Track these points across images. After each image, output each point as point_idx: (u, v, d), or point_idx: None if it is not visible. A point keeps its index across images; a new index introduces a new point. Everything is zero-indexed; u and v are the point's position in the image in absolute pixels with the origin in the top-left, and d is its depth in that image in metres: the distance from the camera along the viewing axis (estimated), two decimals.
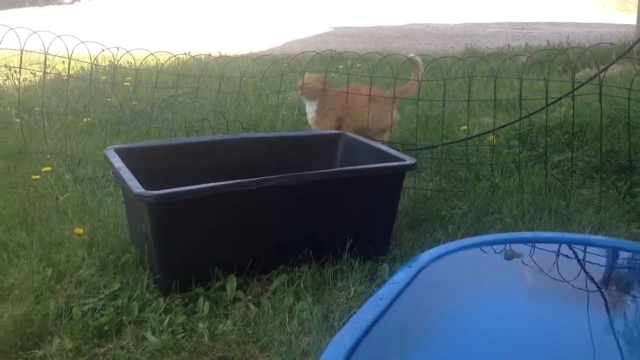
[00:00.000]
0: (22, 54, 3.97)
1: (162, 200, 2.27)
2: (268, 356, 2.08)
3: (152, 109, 4.68)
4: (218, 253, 2.44)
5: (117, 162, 2.56)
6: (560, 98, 3.62)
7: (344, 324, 2.15)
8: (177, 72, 4.77)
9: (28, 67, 4.75)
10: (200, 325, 2.19)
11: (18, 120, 4.40)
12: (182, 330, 2.17)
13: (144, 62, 4.46)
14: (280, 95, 5.00)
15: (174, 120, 4.52)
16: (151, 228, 2.33)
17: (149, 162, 2.78)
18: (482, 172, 3.61)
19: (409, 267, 1.84)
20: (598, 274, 1.98)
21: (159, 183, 2.33)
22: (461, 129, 4.23)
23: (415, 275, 1.80)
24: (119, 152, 2.69)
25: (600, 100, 3.28)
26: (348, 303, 2.36)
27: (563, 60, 6.02)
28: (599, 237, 2.49)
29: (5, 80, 5.79)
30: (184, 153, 2.96)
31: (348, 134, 3.28)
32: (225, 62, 4.77)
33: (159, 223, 2.32)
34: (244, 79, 4.57)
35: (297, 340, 2.15)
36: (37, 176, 3.45)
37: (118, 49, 4.24)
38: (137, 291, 2.34)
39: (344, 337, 1.49)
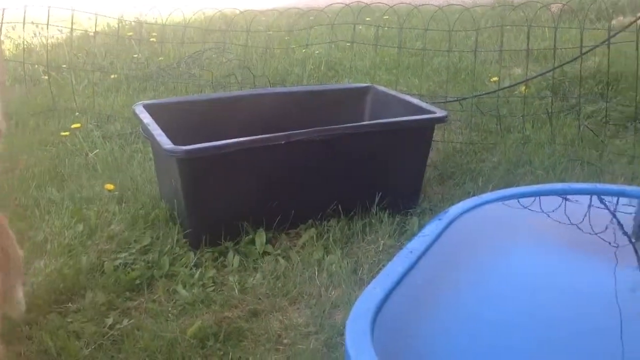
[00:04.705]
0: (49, 9, 3.97)
1: (191, 156, 2.27)
2: (298, 309, 2.09)
3: (178, 65, 4.67)
4: (247, 208, 2.45)
5: (146, 118, 2.55)
6: (596, 47, 3.52)
7: (373, 276, 2.15)
8: (203, 27, 4.72)
9: (55, 24, 4.74)
10: (231, 278, 2.20)
11: (46, 77, 4.42)
12: (213, 284, 2.19)
13: (170, 17, 4.42)
14: (306, 49, 4.94)
15: (201, 75, 4.50)
16: (181, 183, 2.33)
17: (176, 118, 2.76)
18: (513, 124, 3.55)
19: (439, 219, 1.82)
20: (632, 224, 1.94)
21: (186, 138, 2.32)
22: (492, 80, 4.15)
23: (445, 228, 1.78)
24: (147, 107, 2.68)
25: (637, 48, 3.17)
26: (377, 256, 2.36)
27: (595, 9, 5.84)
28: (632, 188, 2.44)
29: (33, 37, 5.80)
30: (212, 108, 2.94)
31: (377, 86, 3.24)
32: (252, 17, 4.71)
33: (188, 178, 2.32)
34: (270, 32, 4.52)
35: (327, 292, 2.15)
36: (67, 133, 3.47)
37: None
38: (168, 246, 2.36)
39: (375, 289, 1.48)
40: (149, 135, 2.44)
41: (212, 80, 4.22)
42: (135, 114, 2.65)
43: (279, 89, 3.56)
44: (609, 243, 1.78)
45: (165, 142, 2.28)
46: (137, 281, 2.19)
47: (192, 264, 2.27)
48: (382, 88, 3.21)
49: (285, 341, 1.94)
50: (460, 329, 1.44)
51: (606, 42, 3.31)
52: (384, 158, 2.64)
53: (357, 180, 2.60)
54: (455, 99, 3.83)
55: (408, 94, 3.34)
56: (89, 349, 1.86)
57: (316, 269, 2.28)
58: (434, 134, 2.95)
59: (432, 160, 3.13)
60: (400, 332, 1.43)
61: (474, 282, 1.63)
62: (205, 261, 2.30)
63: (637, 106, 3.32)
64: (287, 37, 5.31)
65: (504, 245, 1.80)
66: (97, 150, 3.26)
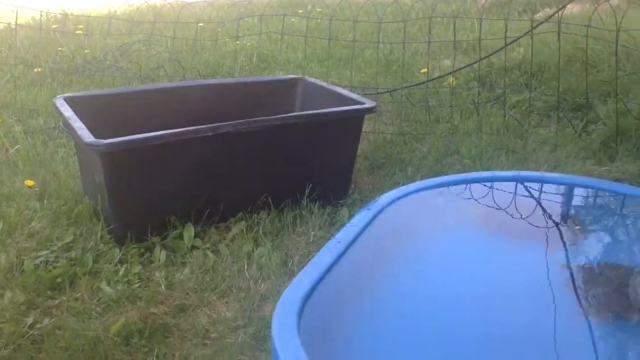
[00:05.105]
0: None
1: (114, 149, 2.21)
2: (227, 302, 2.07)
3: (105, 58, 4.55)
4: (174, 202, 2.40)
5: (67, 112, 2.47)
6: (519, 37, 3.60)
7: (303, 267, 2.15)
8: (130, 19, 4.62)
9: None
10: (157, 274, 2.16)
11: None
12: (138, 280, 2.14)
13: (96, 8, 4.31)
14: (239, 42, 4.90)
15: (129, 68, 4.40)
16: (104, 178, 2.27)
17: (101, 111, 2.69)
18: (441, 114, 3.60)
19: (368, 209, 1.83)
20: (554, 209, 1.99)
21: (112, 132, 2.26)
22: (421, 71, 4.20)
23: (374, 218, 1.79)
24: (69, 101, 2.60)
25: (559, 39, 3.26)
26: (307, 248, 2.35)
27: (523, 2, 5.98)
28: (554, 175, 2.51)
29: None
30: (138, 101, 2.87)
31: (307, 78, 3.23)
32: (181, 7, 4.64)
33: (111, 172, 2.26)
34: (200, 24, 4.45)
35: (256, 285, 2.14)
36: None
37: None
38: (91, 242, 2.29)
39: (302, 280, 1.47)
40: (70, 129, 2.36)
41: (140, 73, 4.13)
42: (55, 107, 2.57)
43: (208, 81, 3.51)
44: (533, 227, 1.83)
45: (86, 135, 2.21)
46: (59, 279, 2.12)
47: (117, 260, 2.22)
48: (312, 79, 3.21)
49: (212, 336, 1.91)
50: (388, 317, 1.45)
51: (529, 33, 3.39)
52: (314, 149, 2.63)
53: (286, 172, 2.59)
54: (386, 90, 3.85)
55: (339, 86, 3.35)
56: (8, 350, 1.79)
57: (246, 262, 2.25)
58: (365, 125, 2.96)
59: (363, 151, 3.14)
60: (328, 322, 1.42)
61: (402, 269, 1.64)
62: (131, 257, 2.25)
63: (559, 96, 3.41)
64: (219, 29, 5.25)
65: (432, 232, 1.83)
66: (19, 145, 3.15)
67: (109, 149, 2.19)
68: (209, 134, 2.36)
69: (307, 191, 2.58)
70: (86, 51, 4.60)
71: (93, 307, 1.99)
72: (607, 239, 1.86)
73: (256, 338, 1.89)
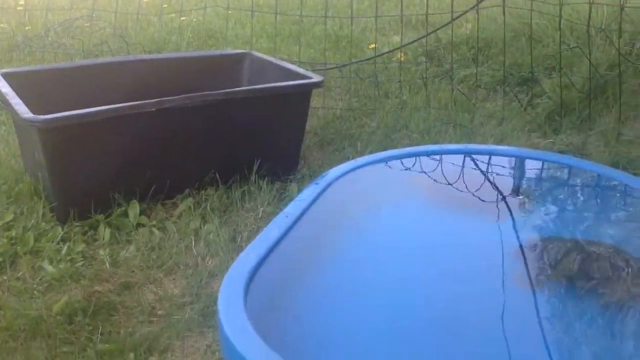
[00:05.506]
0: None
1: (53, 125, 2.15)
2: (174, 279, 2.04)
3: (47, 34, 4.41)
4: (118, 179, 2.34)
5: (4, 87, 2.39)
6: (465, 12, 3.61)
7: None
8: None
9: None
10: (101, 252, 2.11)
11: None
12: (82, 258, 2.09)
13: None
14: (184, 17, 4.81)
15: (71, 45, 4.27)
16: (44, 155, 2.20)
17: (41, 88, 2.61)
18: (390, 89, 3.60)
19: (316, 184, 1.83)
20: (501, 181, 2.02)
21: (54, 109, 2.19)
22: (370, 47, 4.19)
23: (322, 192, 1.79)
24: (6, 77, 2.51)
25: (504, 13, 3.29)
26: (256, 223, 2.33)
27: None
28: (501, 147, 2.54)
29: None
30: (80, 77, 2.79)
31: (254, 53, 3.19)
32: None
33: (51, 149, 2.20)
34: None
35: (204, 262, 2.11)
36: None
37: None
38: (33, 221, 2.24)
39: (249, 255, 1.47)
40: (7, 105, 2.29)
41: (83, 49, 4.02)
42: None
43: (152, 56, 3.44)
44: (482, 198, 1.85)
45: (24, 111, 2.14)
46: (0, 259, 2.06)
47: (59, 238, 2.16)
48: (259, 54, 3.18)
49: (159, 313, 1.88)
50: (336, 292, 1.44)
51: (475, 8, 3.41)
52: (261, 125, 2.60)
53: (234, 147, 2.56)
54: (335, 66, 3.84)
55: (287, 61, 3.32)
56: None
57: (193, 238, 2.22)
58: (314, 101, 2.95)
59: (312, 126, 3.12)
60: (276, 296, 1.42)
61: (351, 243, 1.64)
62: (74, 235, 2.19)
63: (505, 70, 3.45)
64: (164, 4, 5.14)
65: (380, 206, 1.83)
66: None
67: (48, 125, 2.13)
68: (152, 110, 2.31)
69: (255, 167, 2.56)
70: (27, 27, 4.46)
71: (35, 286, 1.94)
72: (555, 209, 1.89)
73: (204, 314, 1.87)
